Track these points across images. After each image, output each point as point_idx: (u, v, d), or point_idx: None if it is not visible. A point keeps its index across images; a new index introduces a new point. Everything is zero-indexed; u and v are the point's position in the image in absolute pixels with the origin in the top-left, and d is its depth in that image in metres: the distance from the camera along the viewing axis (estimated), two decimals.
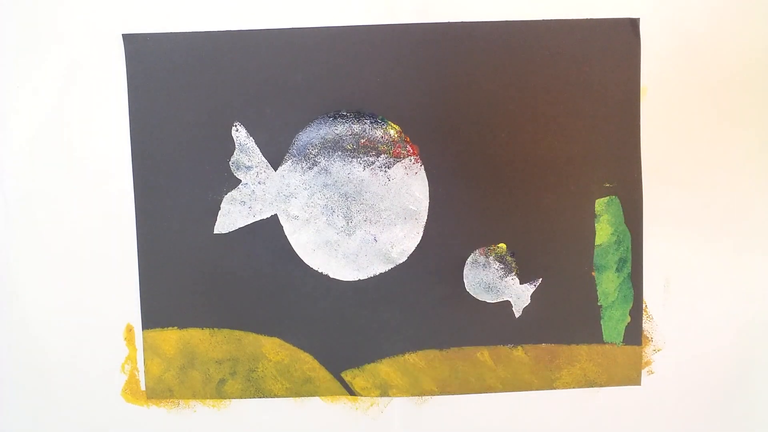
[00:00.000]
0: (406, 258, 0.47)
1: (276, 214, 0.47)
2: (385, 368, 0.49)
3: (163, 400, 0.49)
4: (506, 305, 0.48)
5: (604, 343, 0.48)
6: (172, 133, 0.46)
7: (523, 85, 0.46)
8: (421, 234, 0.47)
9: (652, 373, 0.49)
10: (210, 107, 0.46)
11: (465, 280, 0.48)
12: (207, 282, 0.48)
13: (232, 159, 0.47)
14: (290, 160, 0.47)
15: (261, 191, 0.47)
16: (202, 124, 0.46)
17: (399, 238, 0.47)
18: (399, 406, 0.49)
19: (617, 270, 0.48)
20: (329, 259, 0.47)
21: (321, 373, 0.49)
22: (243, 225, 0.47)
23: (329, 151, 0.47)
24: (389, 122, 0.46)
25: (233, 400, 0.49)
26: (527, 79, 0.46)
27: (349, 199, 0.47)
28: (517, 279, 0.48)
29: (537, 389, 0.49)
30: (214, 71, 0.46)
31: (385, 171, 0.47)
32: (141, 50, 0.46)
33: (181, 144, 0.47)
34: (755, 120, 0.47)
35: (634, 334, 0.48)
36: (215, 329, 0.48)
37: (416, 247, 0.47)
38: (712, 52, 0.46)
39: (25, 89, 0.46)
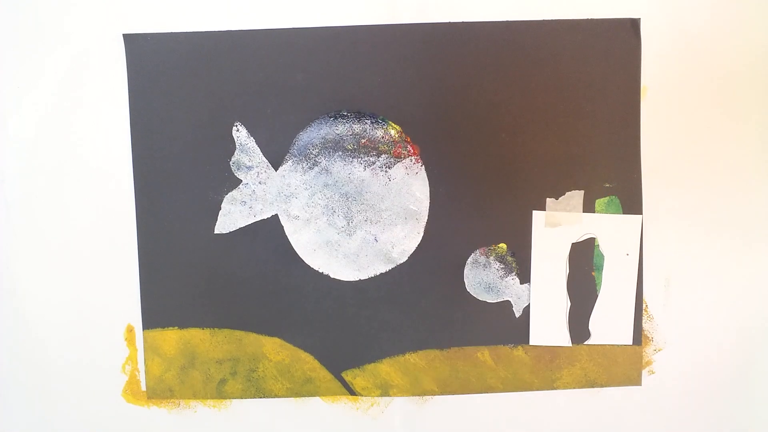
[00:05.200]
0: (406, 258, 0.47)
1: (277, 214, 0.47)
2: (386, 368, 0.49)
3: (163, 401, 0.49)
4: (506, 305, 0.48)
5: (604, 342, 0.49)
6: (172, 133, 0.46)
7: (523, 85, 0.46)
8: (422, 234, 0.47)
9: (653, 373, 0.49)
10: (210, 107, 0.46)
11: (465, 280, 0.48)
12: (207, 282, 0.48)
13: (232, 159, 0.47)
14: (291, 160, 0.47)
15: (262, 191, 0.47)
16: (202, 124, 0.46)
17: (399, 238, 0.47)
18: (400, 405, 0.49)
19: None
20: (330, 259, 0.47)
21: (321, 373, 0.49)
22: (244, 225, 0.47)
23: (330, 151, 0.47)
24: (390, 122, 0.46)
25: (234, 400, 0.49)
26: (527, 79, 0.46)
27: (349, 199, 0.47)
28: (517, 279, 0.48)
29: (537, 389, 0.49)
30: (214, 71, 0.46)
31: (386, 171, 0.47)
32: (141, 50, 0.46)
33: (181, 144, 0.47)
34: (755, 119, 0.47)
35: (635, 334, 0.48)
36: (216, 329, 0.48)
37: (417, 247, 0.47)
38: (712, 52, 0.46)
39: (25, 89, 0.46)
